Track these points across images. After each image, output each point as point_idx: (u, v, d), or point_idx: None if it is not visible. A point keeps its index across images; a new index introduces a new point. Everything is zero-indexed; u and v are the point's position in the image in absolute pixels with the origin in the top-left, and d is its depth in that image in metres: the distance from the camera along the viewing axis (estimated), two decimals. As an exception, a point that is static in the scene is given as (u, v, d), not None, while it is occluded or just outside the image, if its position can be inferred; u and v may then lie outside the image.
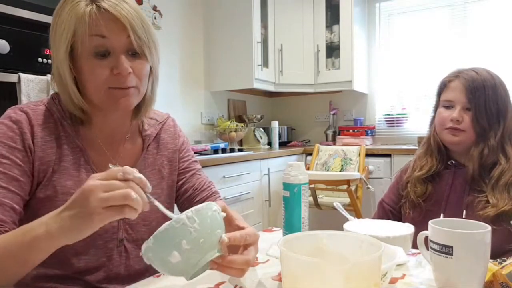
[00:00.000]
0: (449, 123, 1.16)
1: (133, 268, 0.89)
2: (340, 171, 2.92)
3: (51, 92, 1.63)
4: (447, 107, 1.18)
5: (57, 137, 0.83)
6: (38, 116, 0.82)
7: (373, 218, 1.34)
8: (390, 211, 1.29)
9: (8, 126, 0.78)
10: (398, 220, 1.27)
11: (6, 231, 0.71)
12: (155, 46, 0.84)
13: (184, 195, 0.99)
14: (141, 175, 0.61)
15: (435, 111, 1.25)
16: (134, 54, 0.81)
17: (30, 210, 0.79)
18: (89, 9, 0.75)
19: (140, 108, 0.90)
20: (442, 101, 1.20)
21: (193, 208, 0.62)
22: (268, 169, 2.80)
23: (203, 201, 0.98)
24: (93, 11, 0.76)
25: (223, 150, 2.58)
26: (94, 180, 0.59)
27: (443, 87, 1.22)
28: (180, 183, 1.00)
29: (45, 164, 0.80)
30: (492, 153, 1.12)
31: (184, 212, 0.61)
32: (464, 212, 1.12)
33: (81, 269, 0.83)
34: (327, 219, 2.99)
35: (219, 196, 1.01)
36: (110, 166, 0.62)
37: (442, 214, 1.15)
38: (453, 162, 1.20)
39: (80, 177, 0.83)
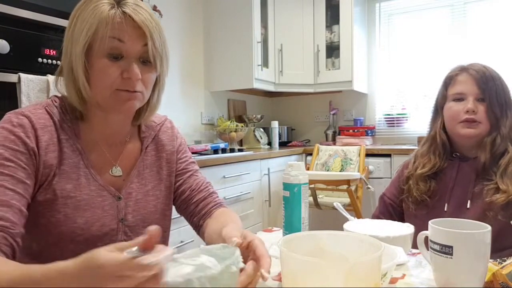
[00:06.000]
0: (464, 115, 1.14)
1: None
2: (340, 171, 2.92)
3: (52, 92, 1.63)
4: (458, 100, 1.17)
5: (58, 140, 0.83)
6: (39, 120, 0.81)
7: (375, 212, 1.34)
8: (391, 204, 1.29)
9: (9, 130, 0.78)
10: (399, 214, 1.27)
11: (17, 234, 0.71)
12: (167, 58, 0.88)
13: (181, 196, 0.99)
14: (158, 261, 0.52)
15: (439, 107, 1.24)
16: (145, 62, 0.83)
17: (31, 217, 0.78)
18: (113, 12, 0.78)
19: (143, 113, 0.92)
20: (451, 95, 1.19)
21: (209, 275, 0.55)
22: (268, 169, 2.80)
23: (200, 203, 0.97)
24: (118, 15, 0.78)
25: (223, 150, 2.58)
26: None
27: (450, 81, 1.21)
28: (177, 184, 1.00)
29: (48, 168, 0.80)
30: (504, 142, 1.12)
31: (198, 278, 0.55)
32: (469, 202, 1.12)
33: None
34: (327, 219, 2.99)
35: (217, 197, 1.01)
36: (128, 253, 0.53)
37: (446, 205, 1.15)
38: (457, 154, 1.20)
39: (79, 181, 0.83)
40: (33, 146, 0.78)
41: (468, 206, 1.11)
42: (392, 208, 1.29)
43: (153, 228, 0.53)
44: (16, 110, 0.82)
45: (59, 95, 0.88)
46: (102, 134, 0.89)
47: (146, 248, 0.53)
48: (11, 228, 0.70)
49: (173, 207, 1.02)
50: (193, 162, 1.04)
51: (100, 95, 0.82)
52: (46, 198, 0.80)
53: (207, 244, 0.92)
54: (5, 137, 0.77)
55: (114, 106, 0.83)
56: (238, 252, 0.62)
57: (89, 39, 0.78)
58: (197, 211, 0.97)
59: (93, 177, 0.85)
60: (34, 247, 0.82)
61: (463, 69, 1.19)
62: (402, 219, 1.23)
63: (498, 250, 0.91)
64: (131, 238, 0.88)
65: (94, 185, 0.85)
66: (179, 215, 1.02)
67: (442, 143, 1.21)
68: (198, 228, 0.97)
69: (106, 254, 0.53)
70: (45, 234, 0.81)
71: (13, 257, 0.70)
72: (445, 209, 1.14)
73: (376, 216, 1.30)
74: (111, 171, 0.89)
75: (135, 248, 0.54)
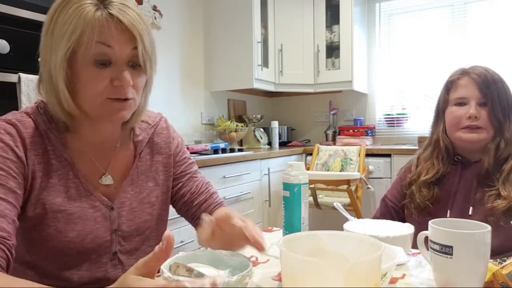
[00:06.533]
0: (466, 121, 1.13)
1: None
2: (340, 171, 2.92)
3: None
4: (460, 104, 1.16)
5: (44, 151, 0.78)
6: (26, 129, 0.77)
7: (376, 213, 1.33)
8: (393, 207, 1.28)
9: None
10: (400, 217, 1.26)
11: (13, 245, 0.67)
12: (155, 59, 0.82)
13: (181, 199, 0.97)
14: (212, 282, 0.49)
15: (441, 111, 1.23)
16: (134, 66, 0.78)
17: (22, 231, 0.75)
18: (99, 14, 0.71)
19: (131, 117, 0.86)
20: (453, 100, 1.18)
21: (226, 281, 0.58)
22: (268, 169, 2.80)
23: (201, 205, 0.96)
24: (104, 17, 0.72)
25: (223, 150, 2.58)
26: None
27: (451, 85, 1.19)
28: (177, 187, 0.97)
29: (35, 179, 0.76)
30: (508, 147, 1.11)
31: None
32: (471, 208, 1.11)
33: (75, 284, 0.81)
34: (327, 219, 2.99)
35: (218, 196, 0.99)
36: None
37: (449, 211, 1.14)
38: (459, 158, 1.19)
39: (69, 193, 0.79)
40: (21, 155, 0.74)
41: (470, 212, 1.10)
42: (394, 211, 1.27)
43: (168, 234, 0.52)
44: (2, 117, 0.77)
45: (45, 101, 0.82)
46: (91, 143, 0.84)
47: (165, 255, 0.52)
48: (7, 239, 0.66)
49: (171, 210, 1.00)
50: (192, 163, 1.01)
51: (88, 105, 0.77)
52: (36, 213, 0.76)
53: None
54: None
55: (104, 116, 0.78)
56: (251, 265, 0.64)
57: (72, 45, 0.71)
58: (198, 213, 0.95)
59: (84, 187, 0.81)
60: (27, 258, 0.80)
61: (464, 73, 1.17)
62: (403, 222, 1.22)
63: (501, 253, 0.91)
64: (125, 248, 0.86)
65: (85, 196, 0.81)
66: (178, 216, 1.02)
67: (446, 147, 1.19)
68: None
69: (137, 282, 0.49)
70: (36, 248, 0.79)
71: (7, 270, 0.66)
72: (448, 216, 1.13)
73: (377, 218, 1.30)
74: (101, 180, 0.85)
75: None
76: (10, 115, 0.78)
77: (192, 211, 0.97)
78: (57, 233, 0.77)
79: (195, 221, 0.97)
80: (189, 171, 0.99)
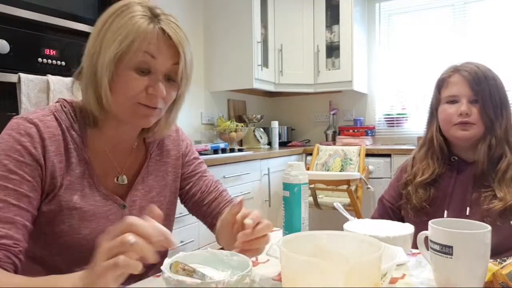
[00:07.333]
0: (458, 118, 1.13)
1: (137, 275, 0.89)
2: (340, 171, 2.92)
3: (52, 92, 1.63)
4: (452, 102, 1.16)
5: (66, 149, 0.80)
6: (48, 128, 0.78)
7: (374, 214, 1.33)
8: (390, 208, 1.28)
9: (15, 139, 0.74)
10: (398, 217, 1.26)
11: (20, 251, 0.69)
12: (191, 76, 0.86)
13: (192, 199, 1.00)
14: (154, 229, 0.55)
15: (434, 110, 1.23)
16: (169, 79, 0.82)
17: (34, 226, 0.76)
18: (152, 27, 0.76)
19: (159, 129, 0.90)
20: (444, 98, 1.18)
21: (226, 282, 0.60)
22: (268, 169, 2.80)
23: (211, 203, 0.99)
24: (156, 31, 0.77)
25: (223, 150, 2.58)
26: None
27: (442, 83, 1.20)
28: (187, 187, 1.00)
29: (55, 179, 0.78)
30: (500, 145, 1.10)
31: (216, 282, 0.60)
32: (468, 209, 1.11)
33: None
34: (327, 219, 2.99)
35: (227, 194, 1.02)
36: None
37: (446, 212, 1.14)
38: (456, 158, 1.19)
39: (84, 191, 0.82)
40: (39, 157, 0.75)
41: (467, 213, 1.10)
42: (392, 211, 1.28)
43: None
44: (24, 116, 0.79)
45: (68, 99, 0.86)
46: (111, 142, 0.87)
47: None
48: (13, 246, 0.68)
49: (176, 210, 1.02)
50: (201, 162, 1.05)
51: (119, 105, 0.80)
52: (51, 209, 0.78)
53: (218, 240, 0.93)
54: (11, 146, 0.74)
55: (130, 119, 0.81)
56: (251, 265, 0.65)
57: (122, 49, 0.76)
58: (209, 211, 0.99)
59: (96, 187, 0.83)
60: (37, 253, 0.81)
61: (455, 70, 1.17)
62: (402, 222, 1.22)
63: (500, 253, 0.91)
64: None
65: (99, 195, 0.83)
66: (178, 215, 1.02)
67: (440, 146, 1.20)
68: (212, 227, 0.98)
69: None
70: (48, 244, 0.80)
71: (15, 273, 0.68)
72: (445, 216, 1.14)
73: (375, 219, 1.30)
74: (117, 179, 0.88)
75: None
76: (32, 114, 0.80)
77: (203, 209, 0.99)
78: (70, 230, 0.79)
79: (206, 219, 0.99)
80: (198, 171, 1.02)
